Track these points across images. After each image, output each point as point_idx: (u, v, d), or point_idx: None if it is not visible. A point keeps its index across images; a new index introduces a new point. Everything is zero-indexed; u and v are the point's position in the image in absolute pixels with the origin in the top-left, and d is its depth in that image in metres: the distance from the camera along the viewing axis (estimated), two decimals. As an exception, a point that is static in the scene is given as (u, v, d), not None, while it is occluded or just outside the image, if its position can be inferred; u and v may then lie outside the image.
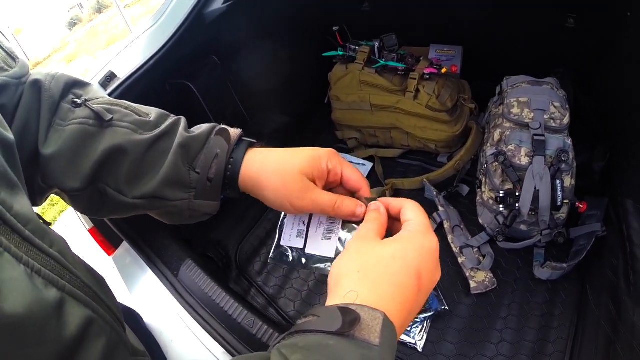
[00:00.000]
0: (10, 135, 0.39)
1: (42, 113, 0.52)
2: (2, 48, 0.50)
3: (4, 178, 0.34)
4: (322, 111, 1.69)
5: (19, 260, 0.30)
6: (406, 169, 1.58)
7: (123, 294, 1.14)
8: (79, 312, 0.34)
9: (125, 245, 1.17)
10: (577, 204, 1.22)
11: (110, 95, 1.12)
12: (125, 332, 0.47)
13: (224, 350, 0.90)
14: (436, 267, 0.44)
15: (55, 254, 0.35)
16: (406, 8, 1.58)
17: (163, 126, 0.56)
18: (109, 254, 1.19)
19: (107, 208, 0.56)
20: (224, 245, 1.43)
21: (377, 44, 1.41)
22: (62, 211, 3.09)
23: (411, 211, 0.47)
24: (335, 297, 0.40)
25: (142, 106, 0.59)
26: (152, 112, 0.58)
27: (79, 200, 0.55)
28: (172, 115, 0.60)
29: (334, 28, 1.44)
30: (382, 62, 1.39)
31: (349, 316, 0.34)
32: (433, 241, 0.45)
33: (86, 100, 0.54)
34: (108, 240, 1.17)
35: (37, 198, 0.56)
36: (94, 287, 0.40)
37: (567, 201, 1.20)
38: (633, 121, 1.18)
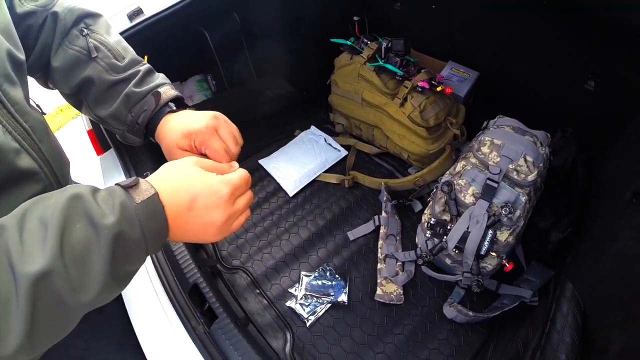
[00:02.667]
0: (21, 55, 0.65)
1: (56, 38, 0.78)
2: None
3: (8, 77, 0.61)
4: (324, 90, 1.79)
5: (2, 125, 0.57)
6: (376, 168, 1.66)
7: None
8: (29, 161, 0.61)
9: (112, 151, 1.45)
10: (504, 261, 1.22)
11: (134, 27, 1.36)
12: None
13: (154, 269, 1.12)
14: (216, 208, 0.57)
15: (26, 126, 0.62)
16: (435, 20, 1.60)
17: (126, 73, 0.78)
18: (98, 154, 1.48)
19: (84, 111, 0.83)
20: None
21: (384, 44, 1.46)
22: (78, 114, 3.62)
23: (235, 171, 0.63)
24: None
25: (124, 49, 0.82)
26: (128, 57, 0.81)
27: (69, 100, 0.82)
28: (141, 62, 0.83)
29: (355, 18, 1.51)
30: (380, 62, 1.45)
31: (136, 182, 0.53)
32: (222, 191, 0.58)
33: (89, 33, 0.79)
34: (100, 142, 1.46)
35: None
36: (49, 157, 0.66)
37: (494, 254, 1.22)
38: (615, 211, 1.12)
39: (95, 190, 0.51)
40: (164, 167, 0.59)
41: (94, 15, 0.82)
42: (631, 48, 1.18)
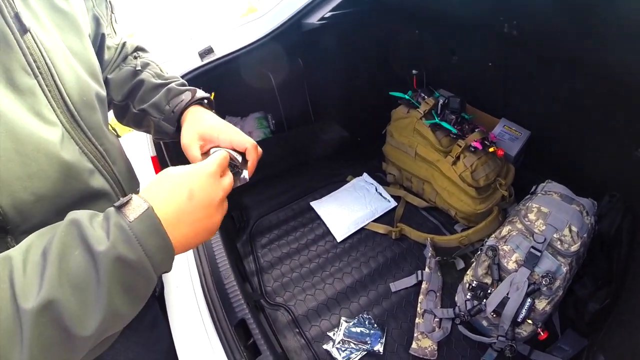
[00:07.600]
0: (103, 92, 0.84)
1: (117, 60, 1.00)
2: (113, 26, 1.00)
3: (87, 104, 0.74)
4: (377, 139, 1.96)
5: (79, 147, 0.70)
6: (423, 222, 1.80)
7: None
8: (101, 181, 0.77)
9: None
10: (539, 329, 1.34)
11: (204, 65, 1.58)
12: None
13: (199, 283, 1.28)
14: (211, 186, 0.63)
15: (101, 149, 0.76)
16: (490, 77, 1.71)
17: (169, 79, 0.98)
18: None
19: (126, 117, 1.01)
20: (248, 212, 1.86)
21: (441, 101, 1.62)
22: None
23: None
24: None
25: (166, 71, 1.04)
26: (170, 73, 1.03)
27: (115, 108, 1.01)
28: (185, 84, 0.99)
29: (414, 71, 1.68)
30: (437, 120, 1.60)
31: (129, 199, 0.55)
32: (207, 166, 0.64)
33: (140, 55, 1.03)
34: (161, 168, 1.67)
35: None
36: (121, 177, 0.84)
37: (530, 322, 1.35)
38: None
39: (94, 215, 0.54)
40: (155, 178, 0.62)
41: (144, 50, 1.07)
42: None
